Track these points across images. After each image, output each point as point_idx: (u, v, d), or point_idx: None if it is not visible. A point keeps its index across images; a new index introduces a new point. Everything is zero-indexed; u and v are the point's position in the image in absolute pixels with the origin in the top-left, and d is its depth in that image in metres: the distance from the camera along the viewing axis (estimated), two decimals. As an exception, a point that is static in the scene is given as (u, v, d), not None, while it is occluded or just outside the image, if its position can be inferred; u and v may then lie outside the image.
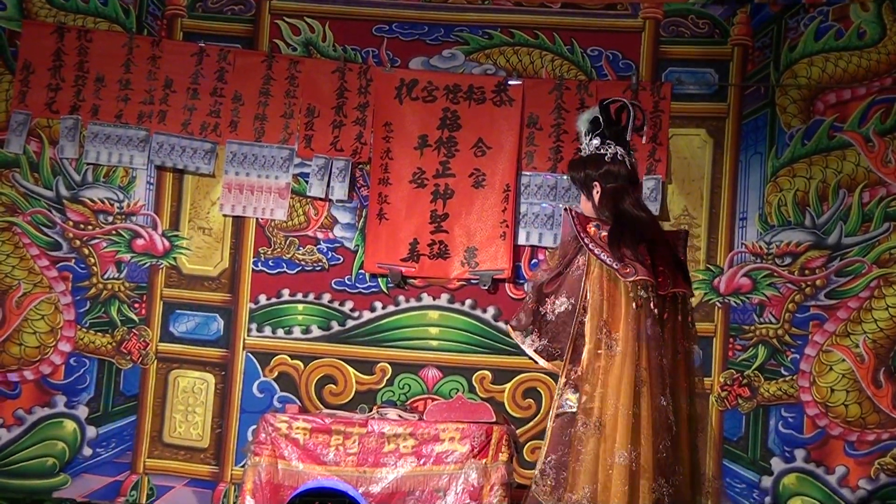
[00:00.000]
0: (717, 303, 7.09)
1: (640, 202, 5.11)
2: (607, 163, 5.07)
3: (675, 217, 7.13)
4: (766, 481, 6.98)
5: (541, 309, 5.00)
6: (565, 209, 5.06)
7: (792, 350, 7.02)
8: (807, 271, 7.03)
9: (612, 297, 4.87)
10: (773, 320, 7.03)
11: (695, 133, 7.19)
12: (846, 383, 6.97)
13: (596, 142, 5.10)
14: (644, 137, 5.52)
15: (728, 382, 7.04)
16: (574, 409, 4.88)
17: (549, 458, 4.91)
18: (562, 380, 4.97)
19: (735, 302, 7.08)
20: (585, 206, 5.09)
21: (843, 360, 6.97)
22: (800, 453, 6.97)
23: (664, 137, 7.12)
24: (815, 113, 7.08)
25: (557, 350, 5.01)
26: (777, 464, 6.99)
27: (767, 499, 6.98)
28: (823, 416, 6.95)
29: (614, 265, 4.85)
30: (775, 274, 7.05)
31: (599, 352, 4.84)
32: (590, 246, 4.91)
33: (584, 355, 4.87)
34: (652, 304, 4.87)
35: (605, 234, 4.92)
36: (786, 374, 7.02)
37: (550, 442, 4.95)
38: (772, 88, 7.11)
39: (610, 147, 5.08)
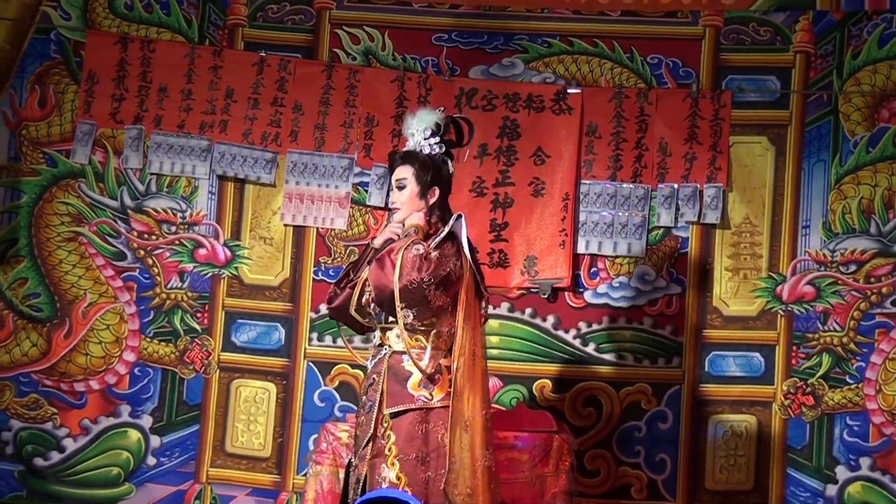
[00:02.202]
0: (780, 311, 7.06)
1: None
2: (448, 173, 5.37)
3: (735, 225, 7.11)
4: (831, 490, 6.94)
5: (428, 296, 5.13)
6: (460, 214, 5.29)
7: (857, 358, 6.98)
8: (872, 279, 6.99)
9: (476, 304, 5.27)
10: (837, 328, 6.99)
11: (756, 141, 7.15)
12: (912, 391, 6.95)
13: (440, 149, 5.36)
14: (466, 157, 5.84)
15: (792, 391, 7.01)
16: (429, 405, 5.15)
17: (407, 455, 5.12)
18: (412, 372, 5.21)
19: (798, 310, 7.04)
20: (413, 203, 5.32)
21: (910, 367, 6.96)
22: (865, 462, 6.93)
23: (724, 145, 7.09)
24: (879, 120, 7.04)
25: (419, 337, 5.20)
26: (842, 472, 6.95)
27: (832, 507, 6.97)
28: (889, 424, 6.91)
29: (478, 276, 5.23)
30: (840, 282, 7.01)
31: (474, 354, 5.20)
32: (465, 252, 5.22)
33: (459, 356, 5.16)
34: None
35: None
36: (851, 382, 6.97)
37: (404, 437, 5.15)
38: (835, 96, 7.07)
39: (449, 158, 5.38)
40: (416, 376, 5.22)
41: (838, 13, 7.11)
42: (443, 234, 5.23)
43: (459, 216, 5.31)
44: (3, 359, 7.19)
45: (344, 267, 5.78)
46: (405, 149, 5.42)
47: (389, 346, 5.28)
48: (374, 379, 5.29)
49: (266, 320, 7.24)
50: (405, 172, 5.32)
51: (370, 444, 5.18)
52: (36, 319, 7.22)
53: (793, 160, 7.12)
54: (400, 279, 5.09)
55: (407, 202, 5.31)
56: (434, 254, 5.12)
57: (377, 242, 5.36)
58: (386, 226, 5.58)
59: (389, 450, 5.14)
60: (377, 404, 5.22)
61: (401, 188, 5.32)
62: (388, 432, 5.18)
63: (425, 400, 5.17)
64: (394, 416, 5.18)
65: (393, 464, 5.10)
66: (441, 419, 5.17)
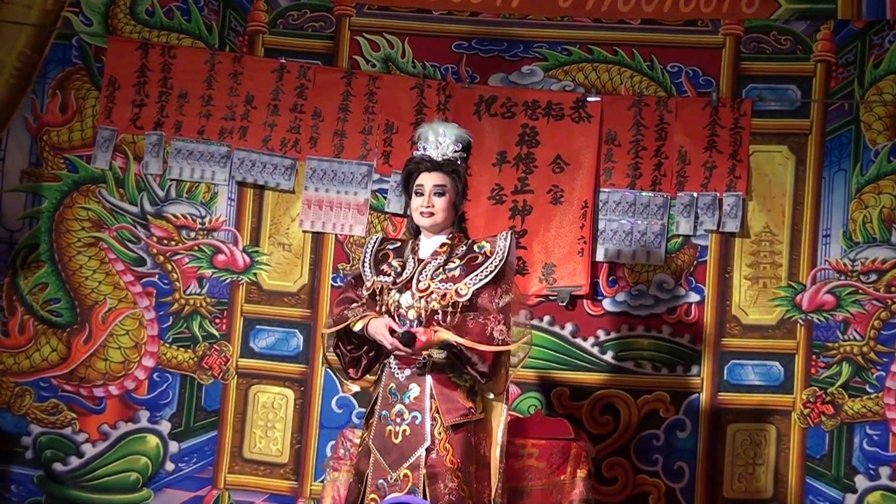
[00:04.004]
0: (800, 320, 7.04)
1: None
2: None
3: (755, 234, 7.09)
4: (851, 499, 6.92)
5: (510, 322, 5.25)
6: (511, 232, 5.33)
7: (877, 367, 6.94)
8: (893, 288, 6.96)
9: None
10: (857, 337, 6.97)
11: (776, 150, 7.13)
12: (933, 401, 6.92)
13: (464, 163, 5.40)
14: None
15: (811, 400, 6.99)
16: (476, 417, 5.24)
17: (467, 468, 5.18)
18: (458, 384, 5.25)
19: (818, 319, 7.03)
20: (449, 211, 5.33)
21: (931, 377, 6.92)
22: (885, 471, 6.90)
23: (744, 154, 7.07)
24: (901, 130, 7.04)
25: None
26: (861, 481, 6.92)
27: (851, 517, 6.95)
28: (909, 433, 6.92)
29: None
30: (860, 291, 6.98)
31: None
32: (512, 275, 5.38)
33: (504, 372, 5.26)
34: None
35: None
36: (871, 391, 6.94)
37: (462, 450, 5.18)
38: (856, 105, 7.04)
39: None
40: (463, 388, 5.24)
41: (860, 22, 7.08)
42: (501, 265, 5.24)
43: (511, 233, 5.35)
44: (24, 364, 7.22)
45: (335, 353, 5.61)
46: (435, 156, 5.36)
47: (430, 356, 5.24)
48: (414, 388, 5.24)
49: (284, 326, 7.25)
50: (443, 179, 5.30)
51: (425, 455, 5.14)
52: (56, 325, 7.24)
53: (813, 169, 7.10)
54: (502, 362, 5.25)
55: (445, 209, 5.28)
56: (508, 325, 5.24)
57: (373, 330, 5.30)
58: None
59: (452, 462, 5.12)
60: (427, 414, 5.18)
61: (440, 194, 5.28)
62: (446, 444, 5.15)
63: (473, 412, 5.20)
64: (453, 428, 5.17)
65: (457, 475, 5.09)
66: (482, 430, 5.21)
